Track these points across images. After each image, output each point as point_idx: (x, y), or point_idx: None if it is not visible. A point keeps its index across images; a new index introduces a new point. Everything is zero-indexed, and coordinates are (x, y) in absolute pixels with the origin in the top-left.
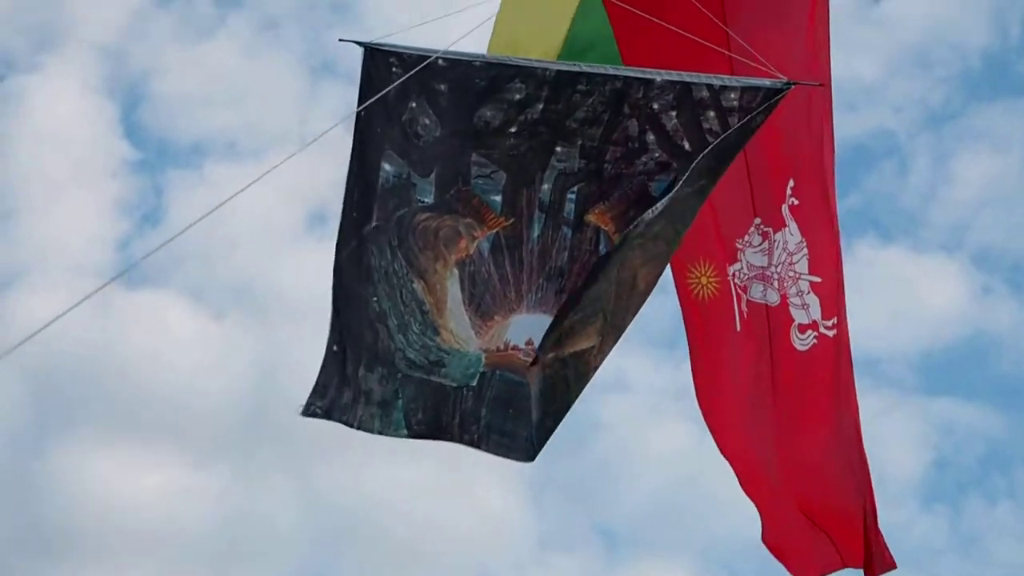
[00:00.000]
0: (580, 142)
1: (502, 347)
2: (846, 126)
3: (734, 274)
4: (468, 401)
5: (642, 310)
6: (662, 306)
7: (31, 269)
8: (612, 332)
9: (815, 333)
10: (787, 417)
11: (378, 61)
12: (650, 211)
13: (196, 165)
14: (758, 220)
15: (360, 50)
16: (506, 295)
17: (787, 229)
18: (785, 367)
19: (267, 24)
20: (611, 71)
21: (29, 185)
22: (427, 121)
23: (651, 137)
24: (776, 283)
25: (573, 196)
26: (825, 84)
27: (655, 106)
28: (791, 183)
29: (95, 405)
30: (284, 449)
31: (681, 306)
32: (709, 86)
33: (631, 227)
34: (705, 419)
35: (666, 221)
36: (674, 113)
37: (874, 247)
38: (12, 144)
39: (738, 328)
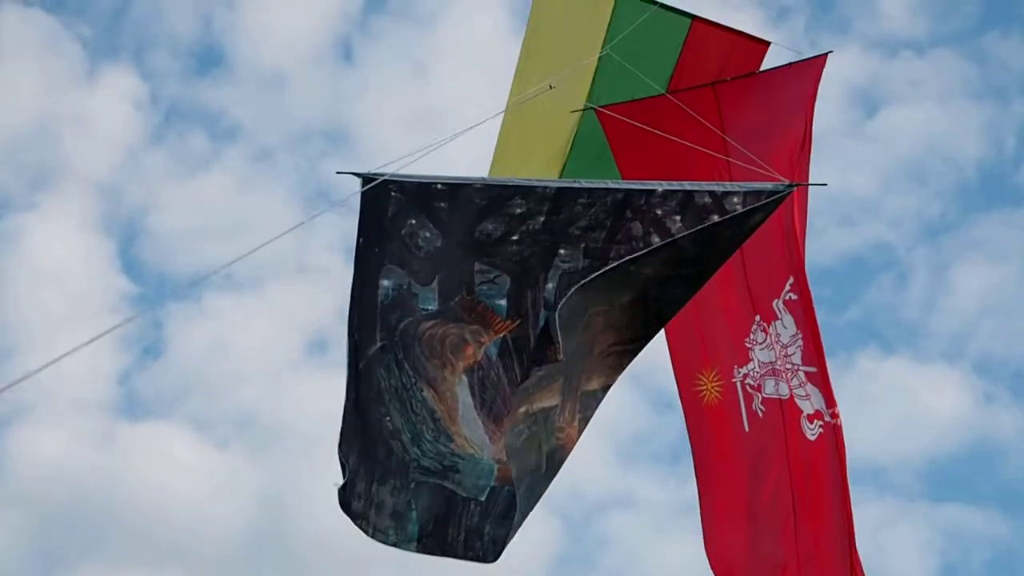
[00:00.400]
0: (583, 245)
1: (505, 460)
2: (843, 240)
3: (744, 375)
4: (474, 517)
5: (645, 427)
6: (666, 423)
7: (34, 405)
8: (571, 394)
9: (821, 422)
10: (799, 505)
11: (377, 189)
12: (618, 270)
13: (195, 297)
14: (758, 317)
15: (358, 180)
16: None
17: (780, 322)
18: (798, 457)
19: (261, 156)
20: (612, 185)
21: (29, 323)
22: (427, 234)
23: (655, 239)
24: (783, 376)
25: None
26: (814, 184)
27: (658, 212)
28: (791, 280)
29: (102, 537)
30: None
31: (686, 415)
32: (711, 192)
33: (594, 276)
34: (704, 535)
35: (633, 292)
36: (678, 218)
37: (876, 359)
38: (10, 283)
39: (746, 428)
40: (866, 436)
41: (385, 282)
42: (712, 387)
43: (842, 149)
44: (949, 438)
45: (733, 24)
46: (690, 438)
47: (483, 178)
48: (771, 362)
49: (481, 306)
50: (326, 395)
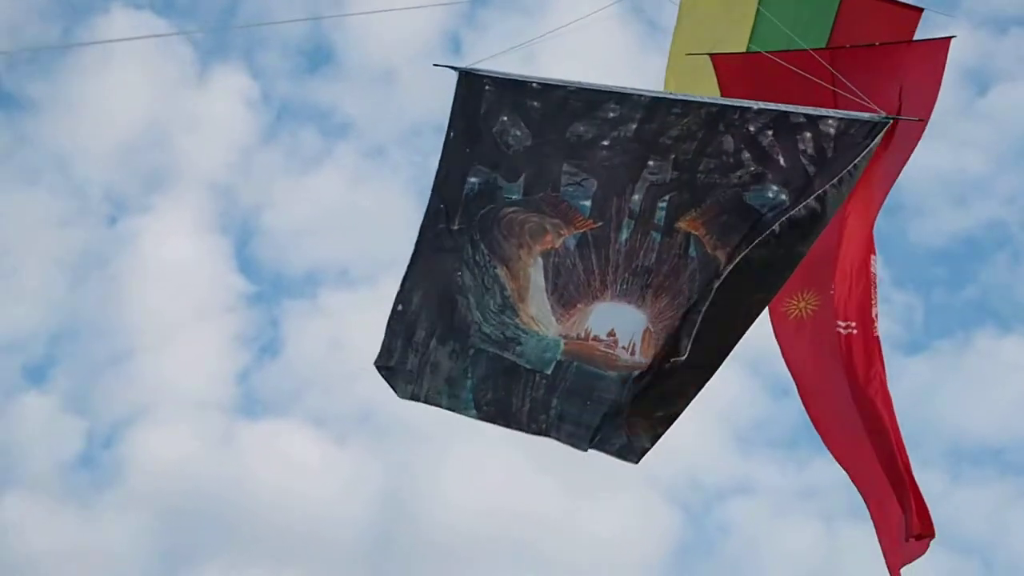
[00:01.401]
0: (673, 156)
1: (583, 335)
2: (957, 220)
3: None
4: (540, 389)
5: (762, 413)
6: (783, 408)
7: (155, 406)
8: (708, 355)
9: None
10: (854, 392)
11: (472, 84)
12: (768, 233)
13: (310, 295)
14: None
15: (454, 74)
16: (590, 284)
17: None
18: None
19: (373, 151)
20: (707, 99)
21: (146, 324)
22: (518, 132)
23: (747, 154)
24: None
25: (664, 205)
26: (924, 119)
27: (751, 128)
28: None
29: (224, 536)
30: (413, 573)
31: (775, 329)
32: (806, 115)
33: (749, 248)
34: (816, 427)
35: (783, 247)
36: (770, 132)
37: (994, 337)
38: (129, 284)
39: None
40: (986, 416)
41: (472, 179)
42: (807, 305)
43: (954, 128)
44: None
45: None
46: (783, 352)
47: (579, 82)
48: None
49: (564, 204)
50: None
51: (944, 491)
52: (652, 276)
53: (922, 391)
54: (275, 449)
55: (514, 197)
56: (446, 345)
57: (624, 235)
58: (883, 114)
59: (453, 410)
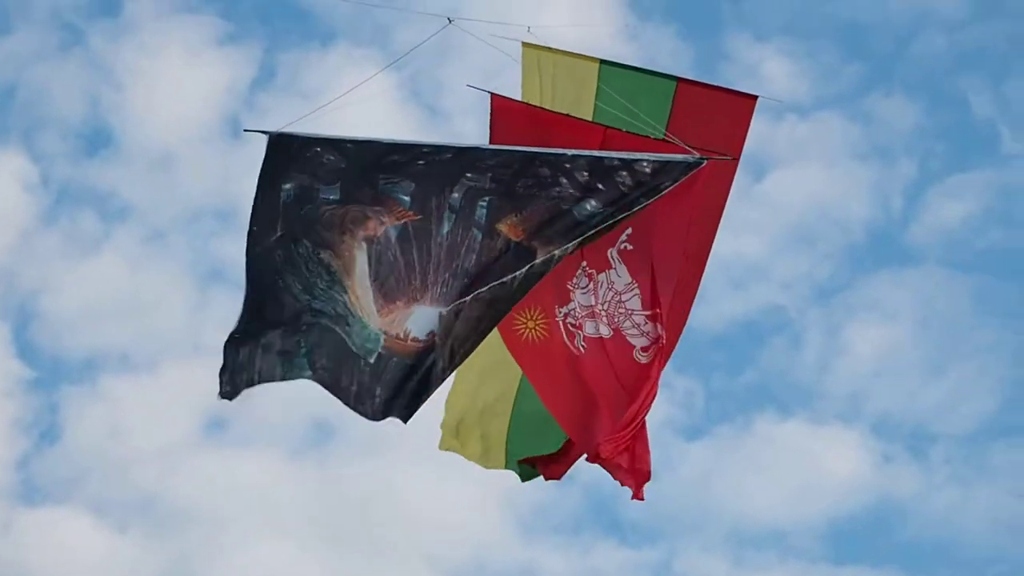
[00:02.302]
0: (490, 174)
1: (402, 336)
2: (735, 303)
3: (566, 314)
4: (365, 374)
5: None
6: (566, 494)
7: None
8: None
9: (656, 347)
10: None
11: (284, 142)
12: (585, 238)
13: (90, 380)
14: (584, 264)
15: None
16: (411, 282)
17: (613, 271)
18: (630, 375)
19: (153, 236)
20: (520, 148)
21: None
22: (332, 158)
23: (564, 181)
24: (606, 319)
25: (484, 204)
26: (736, 159)
27: (567, 165)
28: (628, 230)
29: None
30: None
31: (512, 352)
32: (621, 159)
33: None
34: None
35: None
36: (586, 173)
37: (773, 422)
38: None
39: (580, 352)
40: (766, 500)
41: (287, 185)
42: (535, 325)
43: (732, 214)
44: (849, 500)
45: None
46: (528, 376)
47: (391, 139)
48: (590, 306)
49: (385, 197)
50: (225, 474)
51: (727, 575)
52: (472, 281)
53: (703, 476)
54: (54, 537)
55: (332, 197)
56: (277, 328)
57: (446, 228)
58: (696, 155)
59: (288, 377)
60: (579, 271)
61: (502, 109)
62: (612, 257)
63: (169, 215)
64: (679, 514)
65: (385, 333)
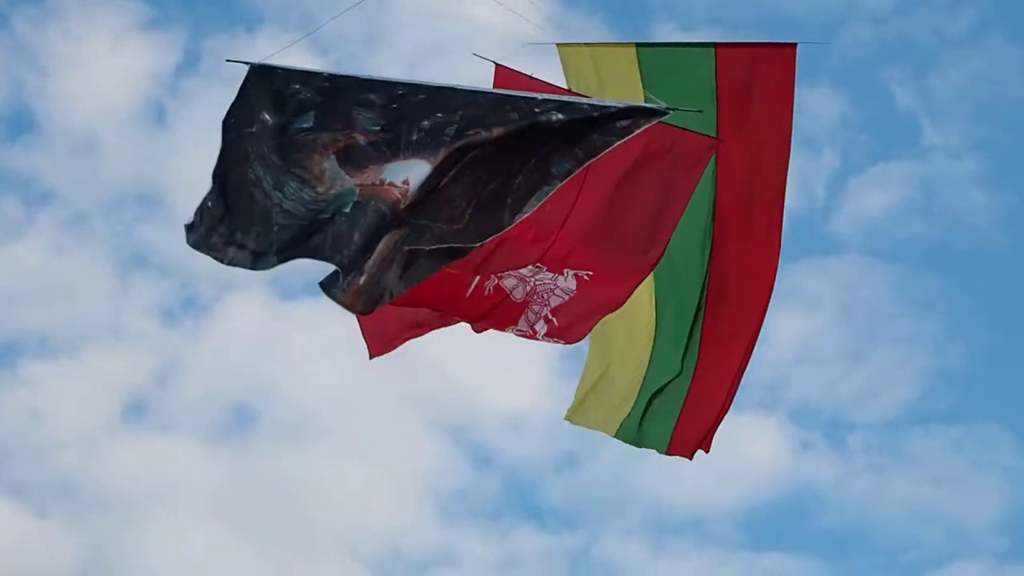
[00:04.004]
0: (461, 112)
1: (377, 183)
2: None
3: (491, 264)
4: (342, 225)
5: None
6: (486, 478)
7: None
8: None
9: (543, 326)
10: None
11: (265, 72)
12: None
13: (9, 364)
14: (543, 265)
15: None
16: (381, 155)
17: (562, 277)
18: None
19: (75, 220)
20: (491, 90)
21: None
22: (309, 94)
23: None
24: (528, 289)
25: (460, 118)
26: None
27: (536, 109)
28: (590, 272)
29: None
30: None
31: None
32: (591, 104)
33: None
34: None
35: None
36: (559, 113)
37: None
38: None
39: (468, 295)
40: (685, 487)
41: (263, 116)
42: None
43: None
44: (767, 487)
45: None
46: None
47: (371, 76)
48: (524, 276)
49: (357, 125)
50: (145, 459)
51: (646, 560)
52: (450, 139)
53: (623, 462)
54: None
55: (305, 125)
56: (250, 233)
57: (415, 137)
58: (664, 105)
59: (255, 268)
60: (537, 264)
61: (505, 82)
62: (567, 273)
63: (92, 200)
64: (598, 500)
65: (360, 185)
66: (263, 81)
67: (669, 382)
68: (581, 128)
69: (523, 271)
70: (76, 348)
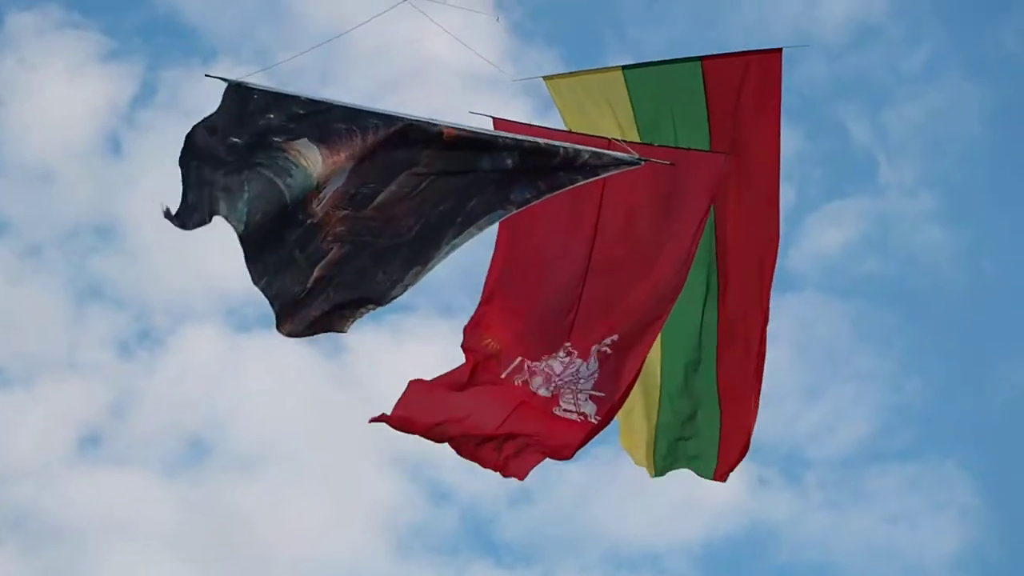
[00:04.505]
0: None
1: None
2: None
3: (528, 360)
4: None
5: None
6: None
7: None
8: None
9: (579, 417)
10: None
11: (241, 93)
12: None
13: None
14: (568, 344)
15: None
16: (352, 140)
17: (587, 363)
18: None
19: (30, 251)
20: (469, 127)
21: None
22: (283, 122)
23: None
24: (553, 387)
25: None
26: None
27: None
28: (615, 337)
29: None
30: None
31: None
32: (565, 148)
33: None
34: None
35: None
36: (518, 156)
37: None
38: None
39: (502, 376)
40: (642, 522)
41: (234, 139)
42: (493, 343)
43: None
44: (724, 523)
45: None
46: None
47: (346, 103)
48: (554, 373)
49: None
50: (100, 491)
51: None
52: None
53: (580, 498)
54: None
55: (279, 138)
56: (219, 171)
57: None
58: (635, 155)
59: (227, 216)
60: (565, 348)
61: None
62: (592, 353)
63: (47, 231)
64: (555, 536)
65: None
66: (239, 103)
67: (693, 413)
68: (547, 162)
69: (551, 361)
70: (31, 379)
